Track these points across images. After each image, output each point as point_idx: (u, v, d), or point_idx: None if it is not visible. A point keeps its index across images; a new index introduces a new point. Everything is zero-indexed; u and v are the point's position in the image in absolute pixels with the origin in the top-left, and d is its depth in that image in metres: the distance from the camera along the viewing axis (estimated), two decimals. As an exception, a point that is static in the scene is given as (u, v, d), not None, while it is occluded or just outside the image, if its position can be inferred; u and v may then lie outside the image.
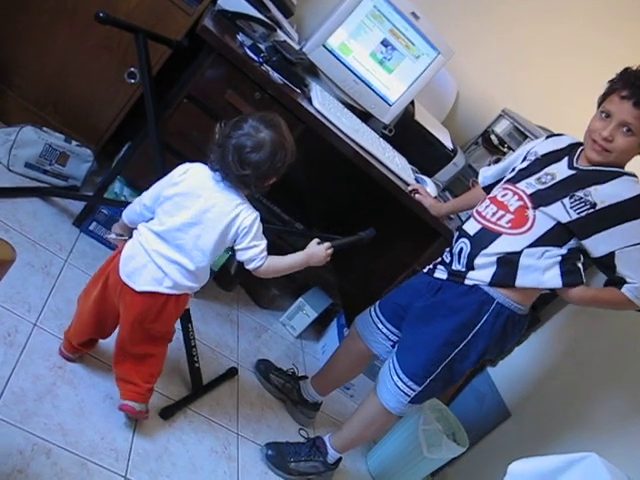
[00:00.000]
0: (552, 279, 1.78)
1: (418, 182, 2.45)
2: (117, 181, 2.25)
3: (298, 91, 2.16)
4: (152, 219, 1.65)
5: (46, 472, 1.50)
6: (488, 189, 2.08)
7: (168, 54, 2.28)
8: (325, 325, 3.00)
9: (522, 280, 1.79)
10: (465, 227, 1.92)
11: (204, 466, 1.89)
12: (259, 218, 1.63)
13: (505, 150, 2.75)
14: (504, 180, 1.96)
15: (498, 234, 1.82)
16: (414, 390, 1.92)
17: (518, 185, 1.85)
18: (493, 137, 2.82)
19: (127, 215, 1.75)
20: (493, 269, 1.81)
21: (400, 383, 1.93)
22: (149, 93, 2.00)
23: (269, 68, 2.08)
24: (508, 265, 1.79)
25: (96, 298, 1.70)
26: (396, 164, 2.36)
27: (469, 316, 1.84)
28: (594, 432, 2.30)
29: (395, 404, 1.96)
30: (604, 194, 1.73)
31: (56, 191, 2.34)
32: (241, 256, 1.66)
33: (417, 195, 2.32)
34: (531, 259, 1.78)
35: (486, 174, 2.13)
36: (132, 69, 2.29)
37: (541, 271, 1.78)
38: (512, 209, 1.82)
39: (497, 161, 2.71)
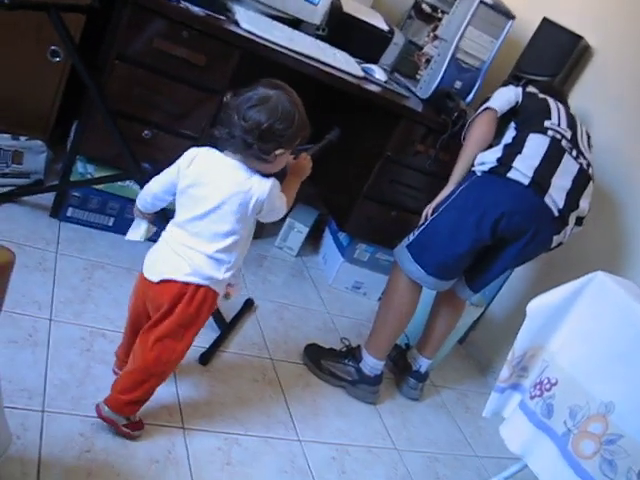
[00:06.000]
0: None
1: (366, 72, 2.45)
2: (78, 161, 2.24)
3: (223, 18, 2.13)
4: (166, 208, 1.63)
5: (111, 444, 1.59)
6: None
7: (83, 20, 2.22)
8: (319, 236, 3.07)
9: None
10: None
11: (251, 397, 1.99)
12: (276, 184, 1.55)
13: (439, 16, 2.73)
14: None
15: None
16: (413, 235, 2.13)
17: None
18: (425, 6, 2.79)
19: (140, 203, 1.68)
20: None
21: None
22: (83, 68, 1.97)
23: (187, 4, 2.04)
24: None
25: (130, 304, 1.69)
26: (339, 60, 2.35)
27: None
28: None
29: (399, 251, 2.16)
30: None
31: (23, 191, 2.31)
32: (263, 219, 1.63)
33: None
34: None
35: None
36: (53, 47, 2.23)
37: None
38: None
39: (435, 29, 2.70)
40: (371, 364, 2.22)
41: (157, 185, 1.61)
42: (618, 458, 1.51)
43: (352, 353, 2.28)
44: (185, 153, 1.55)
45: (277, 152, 1.49)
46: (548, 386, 1.71)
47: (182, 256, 1.54)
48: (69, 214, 2.30)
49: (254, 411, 1.95)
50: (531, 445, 1.73)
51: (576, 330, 1.69)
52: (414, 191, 2.62)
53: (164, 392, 1.81)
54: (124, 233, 2.33)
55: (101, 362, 1.81)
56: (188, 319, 1.57)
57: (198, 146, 1.56)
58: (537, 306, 1.76)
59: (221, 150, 1.54)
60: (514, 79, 2.63)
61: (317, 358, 2.26)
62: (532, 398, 1.75)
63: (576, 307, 1.71)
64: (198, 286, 1.55)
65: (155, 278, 1.56)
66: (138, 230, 1.73)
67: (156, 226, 1.73)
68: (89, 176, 2.25)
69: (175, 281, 1.54)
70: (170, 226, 1.61)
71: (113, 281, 2.15)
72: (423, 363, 2.37)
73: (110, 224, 2.36)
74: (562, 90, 2.47)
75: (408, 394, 2.39)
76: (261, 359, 2.18)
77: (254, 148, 1.46)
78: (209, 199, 1.51)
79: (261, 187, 1.51)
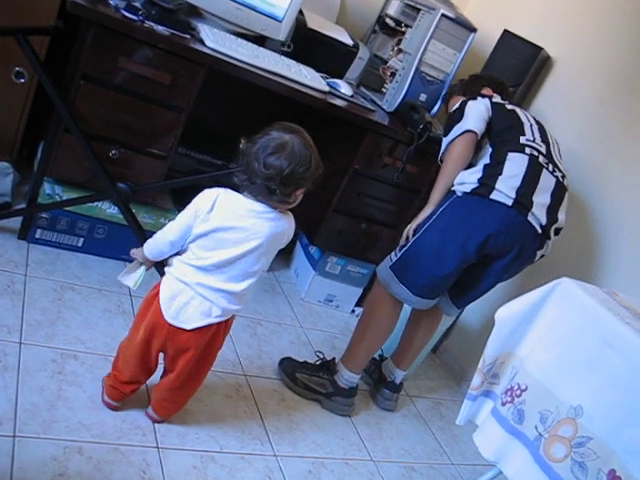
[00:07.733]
0: None
1: (331, 87, 2.48)
2: (46, 182, 2.22)
3: (187, 36, 2.14)
4: (182, 251, 1.63)
5: (85, 468, 1.57)
6: None
7: (47, 42, 2.22)
8: (290, 251, 3.07)
9: None
10: None
11: (225, 413, 1.99)
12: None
13: (403, 29, 2.77)
14: None
15: None
16: (396, 255, 2.12)
17: None
18: (389, 20, 2.83)
19: (152, 254, 1.68)
20: None
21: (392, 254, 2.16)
22: (54, 90, 1.97)
23: (152, 23, 2.05)
24: None
25: (140, 343, 1.68)
26: (305, 76, 2.38)
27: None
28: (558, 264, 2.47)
29: (383, 271, 2.16)
30: None
31: (-10, 215, 2.30)
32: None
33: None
34: None
35: None
36: (17, 69, 2.22)
37: None
38: None
39: (399, 42, 2.74)
40: (346, 377, 2.23)
41: (173, 233, 1.62)
42: (588, 460, 1.54)
43: (327, 366, 2.29)
44: (201, 196, 1.58)
45: (297, 192, 1.57)
46: (519, 392, 1.73)
47: (211, 300, 1.61)
48: (37, 236, 2.28)
49: (229, 428, 1.94)
50: (504, 451, 1.74)
51: (543, 336, 1.71)
52: (383, 203, 2.65)
53: (137, 412, 1.81)
54: (94, 253, 2.37)
55: (72, 384, 1.80)
56: (223, 341, 1.75)
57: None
58: (505, 314, 1.79)
59: (239, 191, 1.58)
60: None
61: (292, 372, 2.26)
62: (504, 404, 1.77)
63: (543, 313, 1.74)
64: (227, 319, 1.69)
65: (187, 326, 1.62)
66: (134, 275, 1.75)
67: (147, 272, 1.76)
68: (57, 197, 2.23)
69: (209, 325, 1.64)
70: (182, 266, 1.62)
71: (84, 302, 2.13)
72: (398, 374, 2.39)
73: (79, 244, 2.35)
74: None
75: (383, 405, 2.41)
76: (235, 375, 2.17)
77: (277, 193, 1.52)
78: (245, 243, 1.57)
79: (290, 225, 1.63)
